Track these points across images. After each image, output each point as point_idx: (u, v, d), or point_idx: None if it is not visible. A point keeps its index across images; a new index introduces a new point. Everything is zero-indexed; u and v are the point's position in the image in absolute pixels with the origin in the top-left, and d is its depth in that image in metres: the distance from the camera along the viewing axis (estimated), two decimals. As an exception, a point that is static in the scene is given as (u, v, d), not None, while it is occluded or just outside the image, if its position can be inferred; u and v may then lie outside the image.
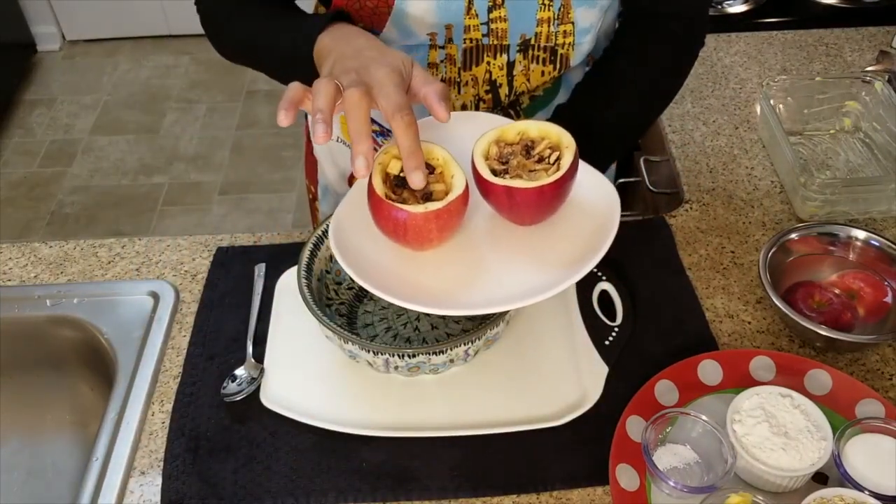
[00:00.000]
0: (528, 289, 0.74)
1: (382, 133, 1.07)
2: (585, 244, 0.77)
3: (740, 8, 1.63)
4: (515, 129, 0.79)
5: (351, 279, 0.96)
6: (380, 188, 0.75)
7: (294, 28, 0.86)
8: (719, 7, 1.62)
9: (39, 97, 3.19)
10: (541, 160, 0.78)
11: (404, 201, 0.75)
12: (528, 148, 0.78)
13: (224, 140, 2.95)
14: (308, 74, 0.81)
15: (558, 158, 0.77)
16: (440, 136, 0.80)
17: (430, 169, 0.77)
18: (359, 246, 0.79)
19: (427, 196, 0.76)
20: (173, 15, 3.32)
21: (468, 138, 0.80)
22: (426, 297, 0.75)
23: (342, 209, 0.82)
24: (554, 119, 1.00)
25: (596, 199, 0.81)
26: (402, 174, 0.76)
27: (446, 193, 0.75)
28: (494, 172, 0.76)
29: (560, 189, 0.76)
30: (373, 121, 1.06)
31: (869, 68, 1.30)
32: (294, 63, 0.85)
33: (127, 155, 2.91)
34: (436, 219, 0.74)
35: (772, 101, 1.16)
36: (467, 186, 0.76)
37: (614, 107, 0.98)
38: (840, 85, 1.19)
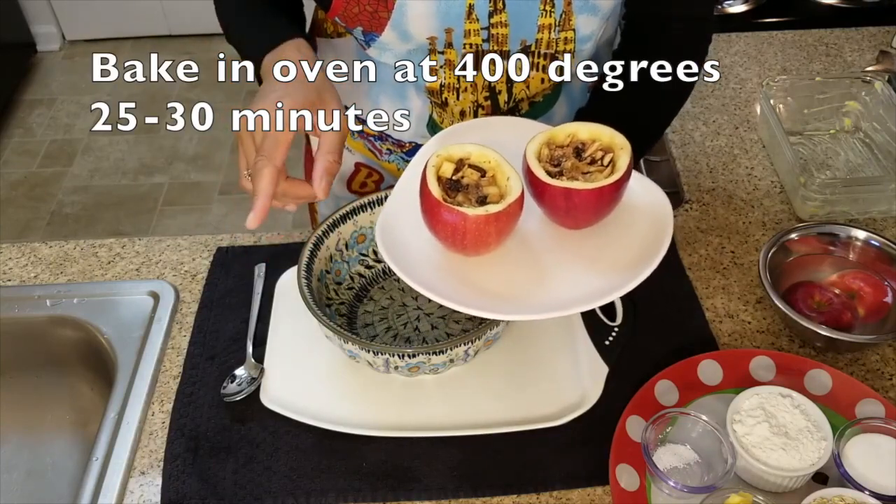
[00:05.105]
0: (589, 292, 0.74)
1: (381, 138, 1.07)
2: (638, 247, 0.77)
3: (740, 8, 1.63)
4: (565, 131, 0.79)
5: (349, 281, 0.96)
6: (436, 191, 0.73)
7: (253, 37, 0.89)
8: (719, 7, 1.63)
9: (39, 97, 3.18)
10: (592, 162, 0.77)
11: (459, 205, 0.73)
12: (578, 150, 0.78)
13: (224, 140, 2.95)
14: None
15: (612, 160, 0.76)
16: (483, 142, 0.79)
17: (482, 172, 0.76)
18: (415, 256, 0.77)
19: (481, 200, 0.75)
20: (173, 15, 3.31)
21: (510, 144, 0.80)
22: (495, 304, 0.74)
23: (385, 218, 0.81)
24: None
25: (644, 201, 0.81)
26: (454, 177, 0.75)
27: (500, 196, 0.75)
28: (549, 175, 0.76)
29: (618, 190, 0.75)
30: (364, 121, 1.06)
31: (869, 68, 1.30)
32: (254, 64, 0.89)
33: (127, 155, 2.91)
34: (495, 222, 0.73)
35: (772, 101, 1.16)
36: (523, 189, 0.75)
37: (636, 110, 0.98)
38: (840, 85, 1.19)
